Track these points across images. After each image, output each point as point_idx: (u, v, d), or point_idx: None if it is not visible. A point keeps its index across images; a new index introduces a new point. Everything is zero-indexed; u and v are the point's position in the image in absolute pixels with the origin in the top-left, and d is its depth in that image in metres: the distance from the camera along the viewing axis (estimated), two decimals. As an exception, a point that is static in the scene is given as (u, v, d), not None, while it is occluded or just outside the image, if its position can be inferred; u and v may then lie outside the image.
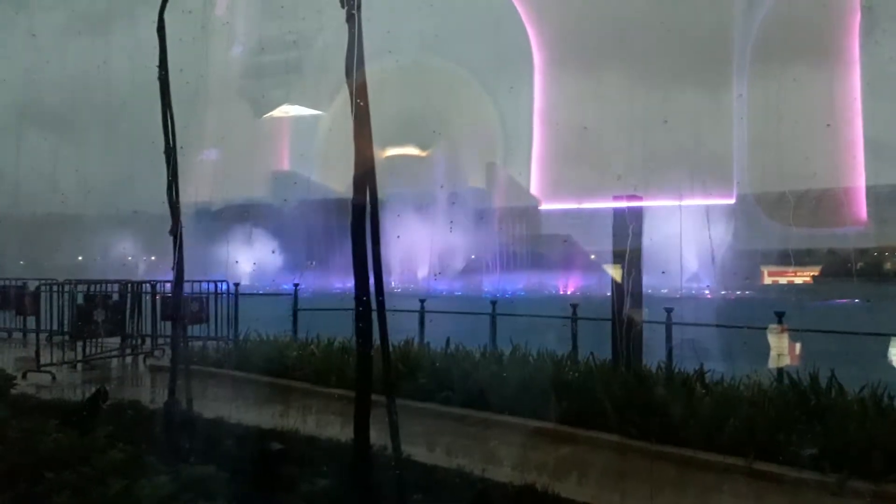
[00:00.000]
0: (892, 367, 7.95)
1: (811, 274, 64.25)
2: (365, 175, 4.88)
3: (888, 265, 64.30)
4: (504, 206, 72.79)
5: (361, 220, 4.81)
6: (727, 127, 66.23)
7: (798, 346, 9.07)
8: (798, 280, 64.49)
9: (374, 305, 4.90)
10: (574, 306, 11.46)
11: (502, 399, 8.58)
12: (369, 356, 4.97)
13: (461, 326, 12.56)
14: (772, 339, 9.08)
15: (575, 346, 10.89)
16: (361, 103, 4.91)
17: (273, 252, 60.55)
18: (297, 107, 78.36)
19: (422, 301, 12.98)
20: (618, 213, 9.60)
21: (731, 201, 65.78)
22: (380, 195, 5.02)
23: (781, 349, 8.98)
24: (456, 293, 53.20)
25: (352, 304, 4.92)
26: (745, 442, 6.90)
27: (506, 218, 71.80)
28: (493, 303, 12.45)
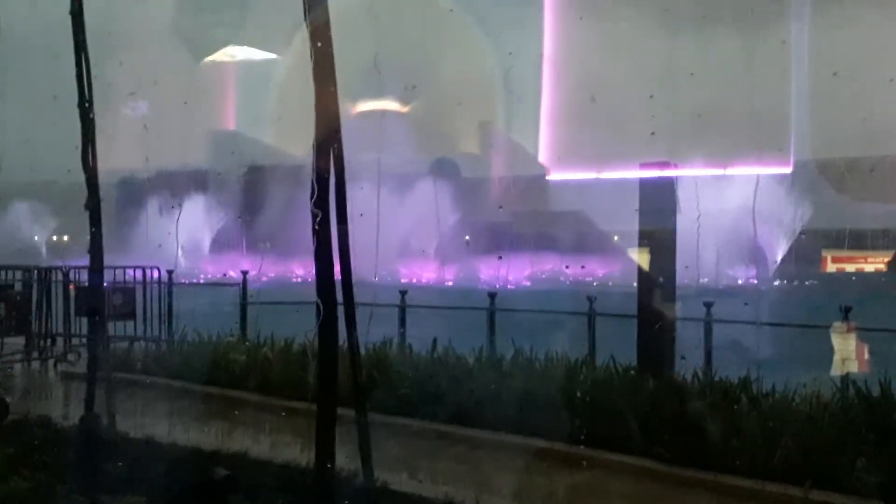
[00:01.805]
0: None
1: (885, 260, 64.61)
2: (328, 136, 4.87)
3: None
4: (504, 175, 72.67)
5: (324, 192, 4.80)
6: (782, 79, 66.28)
7: (868, 348, 9.15)
8: (869, 267, 64.84)
9: (340, 298, 4.91)
10: (591, 300, 11.48)
11: (501, 414, 8.62)
12: (334, 361, 4.98)
13: (452, 324, 12.59)
14: (836, 341, 9.16)
15: (592, 349, 10.94)
16: (323, 46, 4.88)
17: (218, 230, 60.45)
18: (245, 48, 77.77)
19: (402, 293, 12.99)
20: (646, 185, 9.62)
21: (788, 170, 66.00)
22: (348, 162, 5.01)
23: (847, 353, 9.05)
24: (446, 283, 53.20)
25: (314, 296, 4.93)
26: (801, 467, 6.97)
27: (507, 191, 71.79)
28: (492, 296, 12.48)
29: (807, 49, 66.67)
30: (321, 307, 4.83)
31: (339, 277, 4.92)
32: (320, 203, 4.79)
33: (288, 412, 9.80)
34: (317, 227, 4.75)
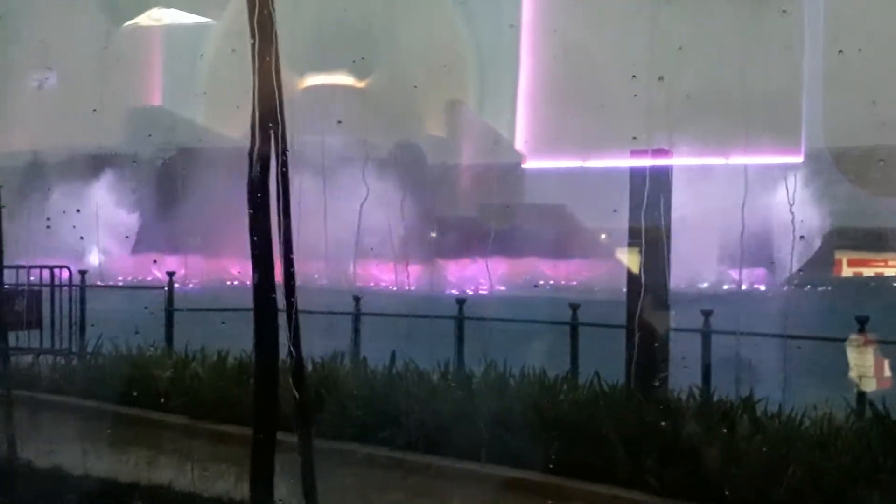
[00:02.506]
0: None
1: (909, 263, 65.57)
2: (269, 115, 4.84)
3: None
4: (477, 162, 72.71)
5: (263, 181, 4.78)
6: (790, 56, 67.02)
7: (888, 364, 9.29)
8: (890, 271, 65.76)
9: (282, 304, 4.90)
10: (574, 308, 11.57)
11: (470, 439, 8.65)
12: (274, 378, 4.96)
13: (414, 335, 12.61)
14: (851, 355, 9.29)
15: (574, 364, 11.03)
16: (261, 8, 4.86)
17: (140, 223, 59.78)
18: (172, 11, 76.85)
19: (356, 299, 13.00)
20: (637, 176, 9.70)
21: (798, 159, 66.82)
22: (293, 144, 5.00)
23: (864, 369, 9.19)
24: (408, 288, 53.09)
25: (251, 301, 4.91)
26: (810, 499, 7.06)
27: (480, 181, 71.84)
28: (461, 302, 12.56)
29: (820, 19, 67.42)
30: (263, 314, 4.80)
31: (281, 280, 4.90)
32: (258, 193, 4.76)
33: (220, 437, 9.73)
34: (254, 221, 4.72)
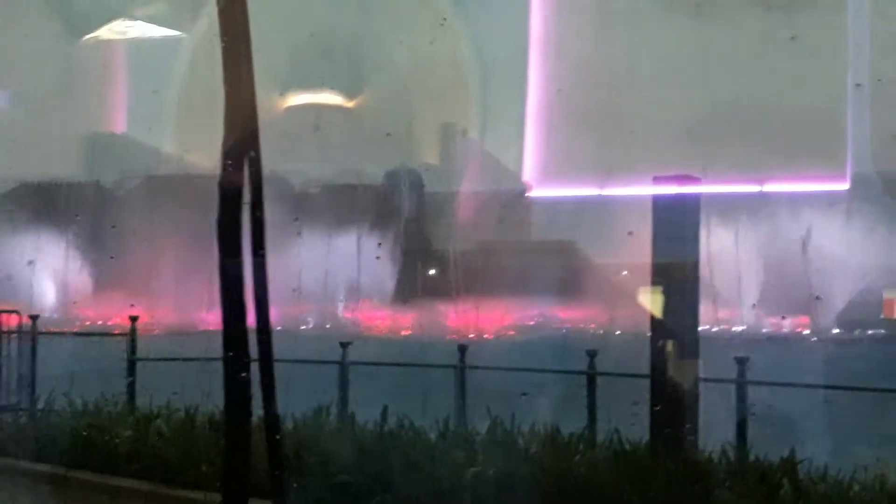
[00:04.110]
0: None
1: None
2: (242, 140, 4.85)
3: None
4: (478, 191, 72.63)
5: (234, 213, 4.78)
6: (834, 71, 67.30)
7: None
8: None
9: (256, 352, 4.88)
10: (591, 355, 11.54)
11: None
12: (246, 437, 4.94)
13: (410, 387, 12.57)
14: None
15: (592, 420, 10.97)
16: (235, 19, 4.89)
17: (100, 262, 59.82)
18: (139, 24, 77.31)
19: (344, 346, 12.97)
20: (661, 206, 9.71)
21: (845, 186, 66.85)
22: (272, 171, 5.01)
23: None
24: (403, 333, 53.10)
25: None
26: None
27: (484, 211, 71.78)
28: (462, 349, 12.53)
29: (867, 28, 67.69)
30: (233, 364, 4.79)
31: (255, 325, 4.87)
32: (228, 227, 4.76)
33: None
34: (224, 261, 4.72)
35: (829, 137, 66.92)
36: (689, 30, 66.39)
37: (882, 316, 62.99)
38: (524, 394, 11.97)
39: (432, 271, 66.83)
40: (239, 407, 4.91)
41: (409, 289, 63.65)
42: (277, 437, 5.01)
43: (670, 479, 8.59)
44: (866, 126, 66.97)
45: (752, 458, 9.30)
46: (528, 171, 78.35)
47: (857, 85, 59.35)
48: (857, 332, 54.36)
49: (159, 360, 13.94)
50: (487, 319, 54.15)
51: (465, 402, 12.02)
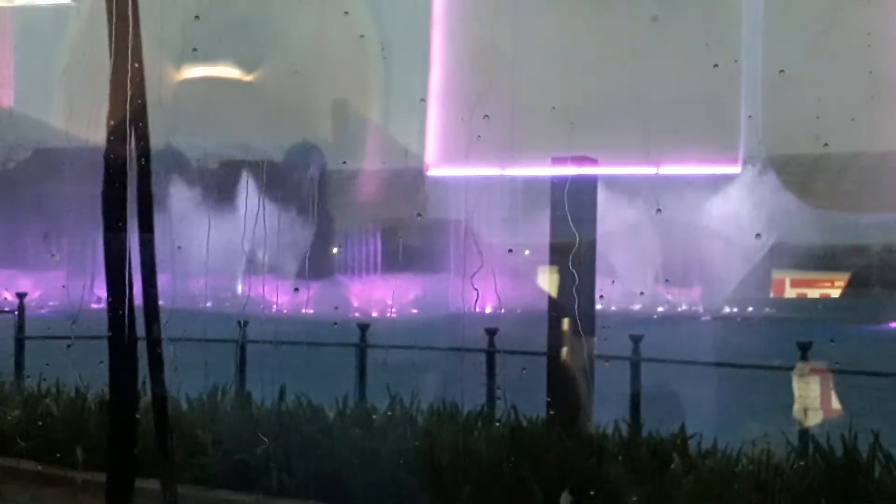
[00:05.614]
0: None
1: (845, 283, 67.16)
2: (129, 113, 4.71)
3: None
4: (380, 168, 72.46)
5: (119, 186, 4.64)
6: (725, 54, 68.49)
7: (835, 395, 9.50)
8: (837, 293, 67.26)
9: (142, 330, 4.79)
10: (491, 333, 11.62)
11: (369, 483, 8.62)
12: (132, 416, 4.83)
13: (309, 366, 12.49)
14: (797, 385, 9.48)
15: (491, 397, 11.05)
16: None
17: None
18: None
19: (242, 324, 12.85)
20: (558, 185, 9.77)
21: (736, 169, 68.26)
22: (166, 145, 4.90)
23: (809, 400, 9.39)
24: (305, 311, 52.67)
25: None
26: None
27: (387, 189, 71.63)
28: (363, 328, 12.54)
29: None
30: (113, 344, 4.67)
31: (142, 302, 4.77)
32: (113, 202, 4.62)
33: (75, 485, 9.45)
34: (108, 236, 4.59)
35: (723, 121, 68.32)
36: (591, 13, 67.01)
37: (771, 295, 64.89)
38: (424, 371, 11.99)
39: (335, 249, 66.54)
40: (124, 386, 4.80)
41: (312, 266, 63.24)
42: (165, 416, 4.91)
43: (564, 454, 8.69)
44: (759, 110, 68.41)
45: (644, 434, 9.47)
46: (429, 152, 78.18)
47: (735, 61, 60.55)
48: (749, 310, 55.72)
49: (47, 338, 13.58)
50: (390, 297, 54.17)
51: (366, 381, 12.03)
